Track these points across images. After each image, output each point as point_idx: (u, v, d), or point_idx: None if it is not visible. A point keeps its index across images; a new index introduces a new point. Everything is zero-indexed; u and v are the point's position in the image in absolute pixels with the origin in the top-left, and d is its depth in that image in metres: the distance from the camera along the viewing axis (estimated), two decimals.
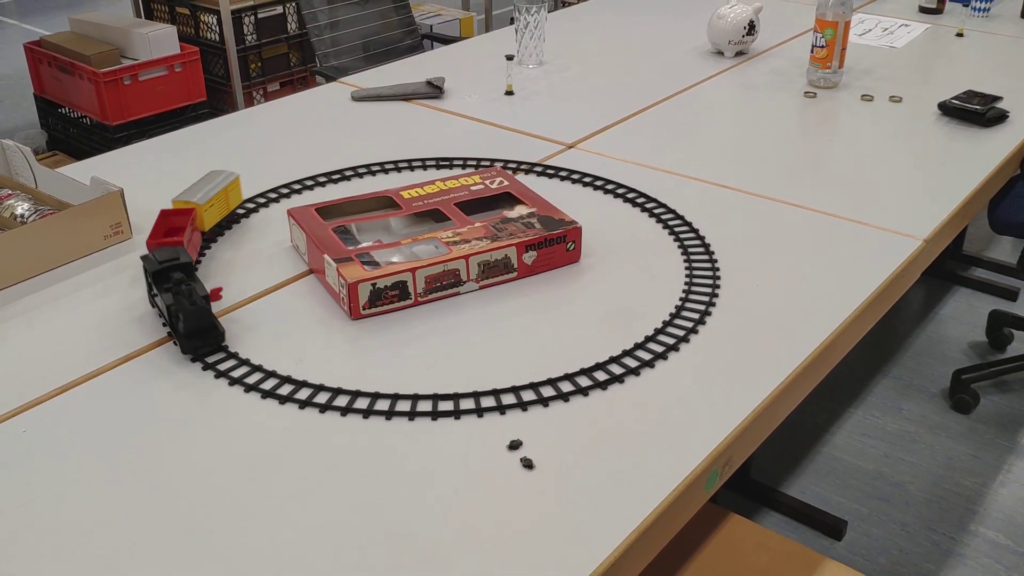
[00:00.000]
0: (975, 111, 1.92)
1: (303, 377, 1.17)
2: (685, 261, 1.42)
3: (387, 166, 1.74)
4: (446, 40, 3.42)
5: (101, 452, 1.05)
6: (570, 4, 4.75)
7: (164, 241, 1.32)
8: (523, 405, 1.11)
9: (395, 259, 1.31)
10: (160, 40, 3.71)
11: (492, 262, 1.34)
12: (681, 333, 1.25)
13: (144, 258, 1.22)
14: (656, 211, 1.57)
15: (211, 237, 1.49)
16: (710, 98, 2.08)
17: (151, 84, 3.73)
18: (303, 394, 1.13)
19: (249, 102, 4.12)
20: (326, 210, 1.45)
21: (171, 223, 1.37)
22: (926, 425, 2.38)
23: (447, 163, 1.75)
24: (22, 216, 1.47)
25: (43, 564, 0.91)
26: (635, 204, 1.60)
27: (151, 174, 1.72)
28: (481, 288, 1.35)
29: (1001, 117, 1.93)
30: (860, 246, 1.47)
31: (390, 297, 1.28)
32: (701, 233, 1.50)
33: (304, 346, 1.22)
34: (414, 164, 1.75)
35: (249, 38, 4.08)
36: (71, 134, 3.97)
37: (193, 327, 1.16)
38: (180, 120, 3.82)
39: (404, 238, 1.37)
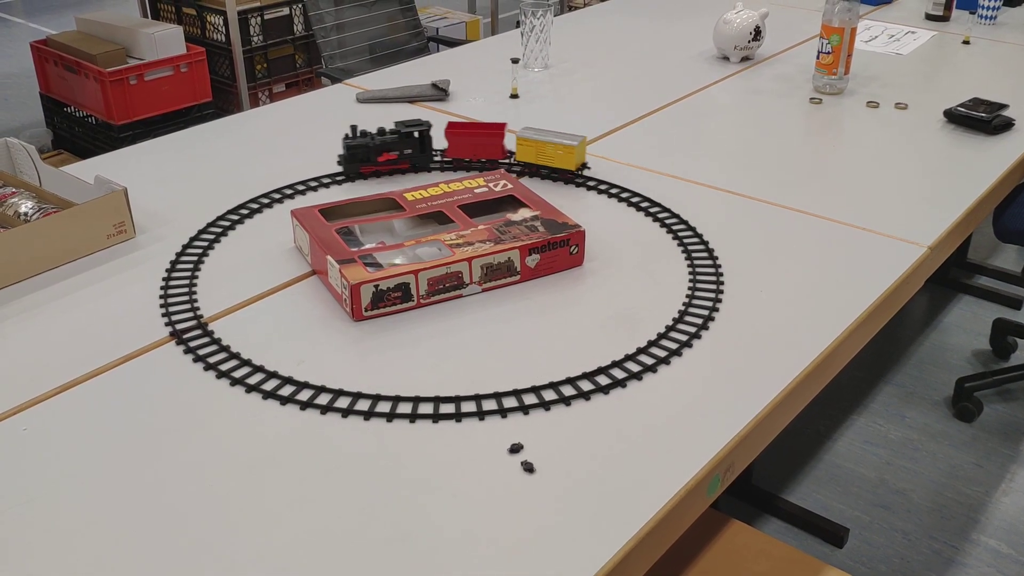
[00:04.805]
0: (981, 119, 1.91)
1: (304, 378, 1.16)
2: (689, 266, 1.42)
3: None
4: (452, 43, 3.43)
5: (101, 451, 1.04)
6: (576, 8, 4.76)
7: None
8: (525, 408, 1.11)
9: (398, 261, 1.30)
10: (166, 40, 3.71)
11: (495, 265, 1.34)
12: (684, 338, 1.25)
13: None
14: (660, 215, 1.57)
15: (214, 237, 1.49)
16: (715, 103, 2.08)
17: (157, 84, 3.73)
18: (304, 395, 1.13)
19: (255, 103, 4.12)
20: (329, 211, 1.45)
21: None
22: (929, 433, 2.38)
23: (451, 165, 1.75)
24: (25, 214, 1.47)
25: (42, 563, 0.90)
26: (639, 208, 1.60)
27: (155, 174, 1.72)
28: (484, 291, 1.35)
29: (1007, 125, 1.92)
30: (864, 253, 1.46)
31: (392, 299, 1.28)
32: (705, 238, 1.50)
33: (306, 347, 1.22)
34: (418, 166, 1.75)
35: (255, 39, 4.08)
36: (76, 133, 3.98)
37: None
38: (185, 120, 3.83)
39: (407, 240, 1.37)
